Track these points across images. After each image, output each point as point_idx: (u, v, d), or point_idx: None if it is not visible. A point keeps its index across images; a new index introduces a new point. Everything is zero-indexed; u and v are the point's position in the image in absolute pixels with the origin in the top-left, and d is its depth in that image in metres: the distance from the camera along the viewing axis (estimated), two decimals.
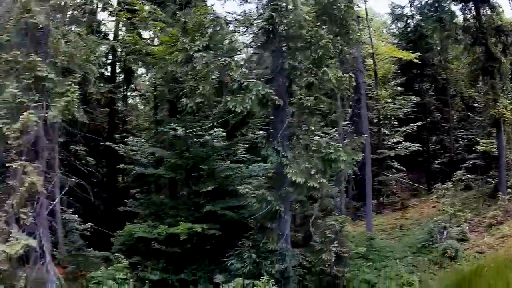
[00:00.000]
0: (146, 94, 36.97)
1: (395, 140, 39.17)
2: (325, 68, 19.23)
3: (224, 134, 23.59)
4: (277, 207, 18.85)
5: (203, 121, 24.17)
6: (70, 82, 17.73)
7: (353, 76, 20.40)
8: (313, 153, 19.95)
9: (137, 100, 41.99)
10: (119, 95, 36.82)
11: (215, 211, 22.30)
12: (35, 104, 17.13)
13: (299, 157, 20.01)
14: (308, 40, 19.57)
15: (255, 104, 18.79)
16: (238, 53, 22.64)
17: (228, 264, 19.83)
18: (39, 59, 17.38)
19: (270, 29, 19.76)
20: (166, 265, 21.77)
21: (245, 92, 18.89)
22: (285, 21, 19.99)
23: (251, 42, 22.28)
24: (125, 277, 19.04)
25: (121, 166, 25.58)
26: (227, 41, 20.73)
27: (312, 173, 18.76)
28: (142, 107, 41.08)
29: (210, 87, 19.58)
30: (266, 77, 20.48)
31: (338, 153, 18.79)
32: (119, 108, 36.63)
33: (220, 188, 23.60)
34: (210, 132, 23.74)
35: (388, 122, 42.01)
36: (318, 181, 18.62)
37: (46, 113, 17.24)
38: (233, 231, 22.49)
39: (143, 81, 38.93)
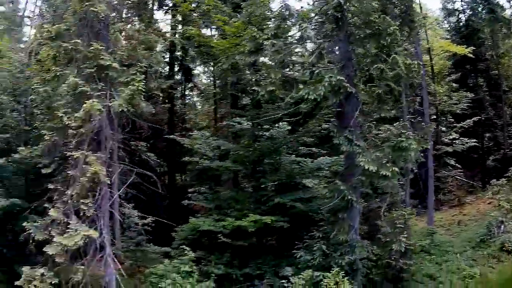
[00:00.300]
0: (205, 91, 36.68)
1: (451, 137, 38.61)
2: (394, 55, 18.54)
3: (289, 127, 23.05)
4: (349, 197, 18.28)
5: (267, 115, 23.50)
6: (134, 72, 17.27)
7: (421, 63, 19.57)
8: (383, 141, 19.41)
9: (196, 98, 41.72)
10: (177, 94, 36.42)
11: (284, 204, 21.79)
12: (98, 93, 16.73)
13: (370, 146, 19.51)
14: (376, 27, 18.93)
15: (328, 91, 18.27)
16: (308, 41, 21.93)
17: (298, 256, 19.49)
18: (102, 47, 17.01)
19: (339, 16, 19.11)
20: (230, 259, 21.31)
21: (317, 80, 18.41)
22: (353, 8, 19.55)
23: (320, 29, 21.56)
24: (190, 270, 18.38)
25: (186, 158, 25.05)
26: (295, 29, 20.16)
27: (384, 162, 18.22)
28: (200, 106, 40.84)
29: (281, 76, 19.29)
30: (337, 65, 19.74)
31: (409, 141, 18.10)
32: (178, 106, 36.27)
33: (286, 181, 23.07)
34: (276, 125, 23.07)
35: (444, 118, 40.97)
36: (390, 170, 18.00)
37: (110, 102, 16.80)
38: (299, 224, 21.97)
39: (200, 80, 38.77)
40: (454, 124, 39.22)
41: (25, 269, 16.57)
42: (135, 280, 19.57)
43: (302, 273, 17.94)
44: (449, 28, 46.63)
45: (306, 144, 25.69)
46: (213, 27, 31.41)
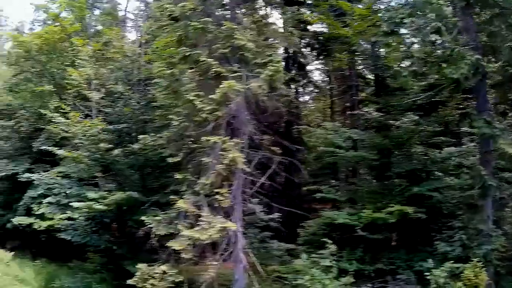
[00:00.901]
0: (320, 86, 35.31)
1: None
2: None
3: (420, 114, 21.48)
4: (490, 182, 16.86)
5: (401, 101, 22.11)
6: (271, 53, 15.87)
7: None
8: None
9: (312, 95, 40.34)
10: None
11: (420, 194, 20.25)
12: (233, 75, 15.36)
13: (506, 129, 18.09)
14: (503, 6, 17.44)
15: (469, 71, 16.71)
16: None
17: (438, 248, 18.16)
18: (235, 26, 15.68)
19: None
20: (363, 254, 19.87)
21: (458, 58, 16.87)
22: None
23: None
24: (330, 264, 16.60)
25: (320, 148, 23.61)
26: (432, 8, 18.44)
27: None
28: (314, 101, 39.54)
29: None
30: (471, 44, 17.94)
31: None
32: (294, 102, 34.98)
33: (419, 171, 21.57)
34: (407, 113, 21.39)
35: None
36: None
37: (247, 84, 15.39)
38: (434, 215, 20.42)
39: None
40: None
41: (141, 266, 15.53)
42: (262, 278, 17.97)
43: (442, 265, 16.37)
44: None
45: (435, 132, 23.84)
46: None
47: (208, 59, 15.30)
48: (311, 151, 26.14)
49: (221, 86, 14.63)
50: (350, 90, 28.11)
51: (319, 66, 35.49)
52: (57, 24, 24.89)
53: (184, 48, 15.98)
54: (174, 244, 14.83)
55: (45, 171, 24.82)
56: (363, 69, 28.77)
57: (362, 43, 25.58)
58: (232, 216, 15.28)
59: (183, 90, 16.02)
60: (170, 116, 16.52)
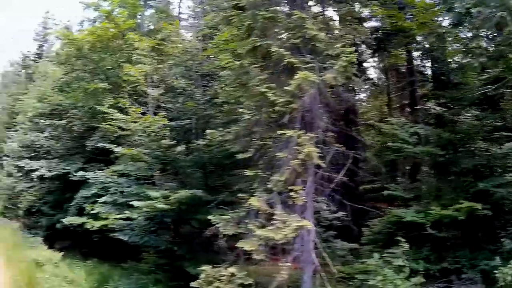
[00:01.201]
0: (377, 83, 34.52)
1: None
2: None
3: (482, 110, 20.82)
4: None
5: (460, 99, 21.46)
6: (343, 44, 15.06)
7: None
8: None
9: (368, 92, 39.55)
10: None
11: (486, 190, 19.31)
12: (306, 66, 14.54)
13: None
14: None
15: None
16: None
17: (504, 245, 17.64)
18: (306, 15, 14.89)
19: None
20: (429, 253, 18.93)
21: None
22: None
23: None
24: (403, 264, 15.91)
25: (390, 144, 22.84)
26: None
27: None
28: (370, 102, 38.75)
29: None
30: None
31: None
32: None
33: (483, 167, 20.61)
34: (469, 108, 20.76)
35: None
36: None
37: (321, 76, 14.56)
38: (498, 211, 19.56)
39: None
40: None
41: (206, 268, 14.73)
42: (331, 279, 17.14)
43: (510, 263, 15.69)
44: None
45: (496, 127, 22.96)
46: None
47: (280, 50, 14.50)
48: (369, 148, 25.23)
49: (295, 77, 13.79)
50: (409, 86, 27.36)
51: (375, 64, 34.73)
52: (109, 21, 24.36)
53: (254, 38, 15.19)
54: (244, 245, 14.07)
55: (99, 170, 24.49)
56: (421, 64, 27.92)
57: (421, 36, 24.83)
58: (305, 214, 14.42)
59: (253, 82, 15.16)
60: (240, 110, 15.65)
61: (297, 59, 14.57)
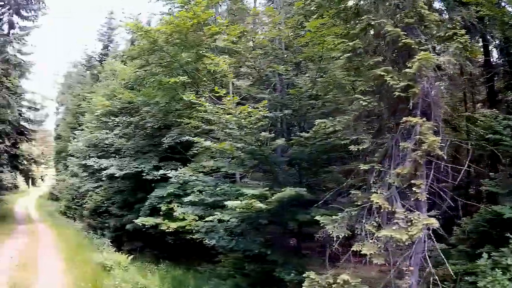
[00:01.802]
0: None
1: None
2: None
3: None
4: None
5: None
6: (454, 26, 13.50)
7: None
8: None
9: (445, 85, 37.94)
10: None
11: None
12: (422, 47, 13.00)
13: None
14: None
15: None
16: None
17: None
18: None
19: None
20: None
21: None
22: None
23: None
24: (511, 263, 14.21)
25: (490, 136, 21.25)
26: None
27: None
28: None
29: None
30: None
31: None
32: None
33: None
34: None
35: None
36: None
37: (437, 59, 13.02)
38: None
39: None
40: None
41: (310, 274, 13.38)
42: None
43: None
44: None
45: None
46: None
47: (396, 29, 13.01)
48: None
49: (417, 57, 12.28)
50: (486, 79, 25.33)
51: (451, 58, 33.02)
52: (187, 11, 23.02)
53: (367, 16, 13.68)
54: (361, 248, 12.61)
55: (174, 169, 23.45)
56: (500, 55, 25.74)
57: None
58: (422, 210, 12.85)
59: (368, 65, 13.65)
60: (356, 96, 14.07)
61: (413, 40, 13.07)
